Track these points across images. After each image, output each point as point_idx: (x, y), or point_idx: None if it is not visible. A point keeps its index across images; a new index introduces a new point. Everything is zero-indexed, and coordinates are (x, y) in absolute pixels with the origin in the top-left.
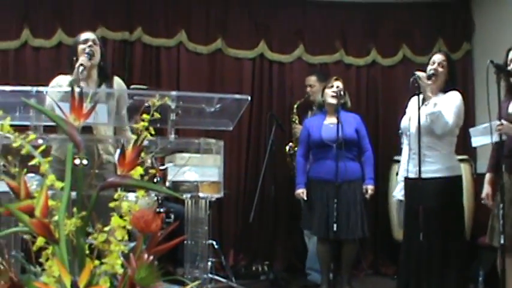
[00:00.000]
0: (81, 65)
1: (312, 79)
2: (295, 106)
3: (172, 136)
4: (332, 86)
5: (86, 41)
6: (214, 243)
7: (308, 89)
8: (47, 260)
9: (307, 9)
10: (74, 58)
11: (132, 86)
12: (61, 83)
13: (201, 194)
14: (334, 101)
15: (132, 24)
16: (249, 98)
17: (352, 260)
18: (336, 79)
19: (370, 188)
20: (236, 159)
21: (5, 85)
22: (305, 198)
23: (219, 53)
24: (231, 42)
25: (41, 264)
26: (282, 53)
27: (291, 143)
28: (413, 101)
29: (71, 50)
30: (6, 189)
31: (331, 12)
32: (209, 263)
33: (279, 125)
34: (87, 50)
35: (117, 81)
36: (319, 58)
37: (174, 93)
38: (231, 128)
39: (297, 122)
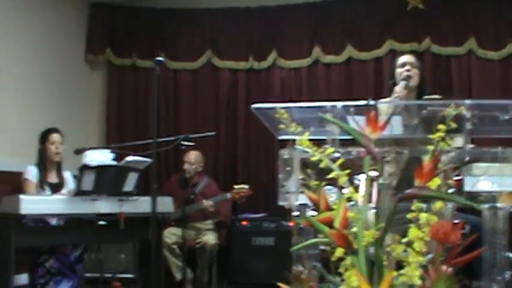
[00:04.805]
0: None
1: None
2: None
3: (468, 146)
4: None
5: (403, 65)
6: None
7: None
8: (346, 270)
9: None
10: (391, 82)
11: (425, 97)
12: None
13: (499, 205)
14: None
15: (420, 35)
16: None
17: None
18: None
19: None
20: None
21: (299, 101)
22: None
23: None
24: None
25: (339, 275)
26: None
27: None
28: None
29: (390, 73)
30: (306, 201)
31: None
32: (507, 276)
33: None
34: (404, 74)
35: None
36: None
37: (468, 101)
38: None
39: None
